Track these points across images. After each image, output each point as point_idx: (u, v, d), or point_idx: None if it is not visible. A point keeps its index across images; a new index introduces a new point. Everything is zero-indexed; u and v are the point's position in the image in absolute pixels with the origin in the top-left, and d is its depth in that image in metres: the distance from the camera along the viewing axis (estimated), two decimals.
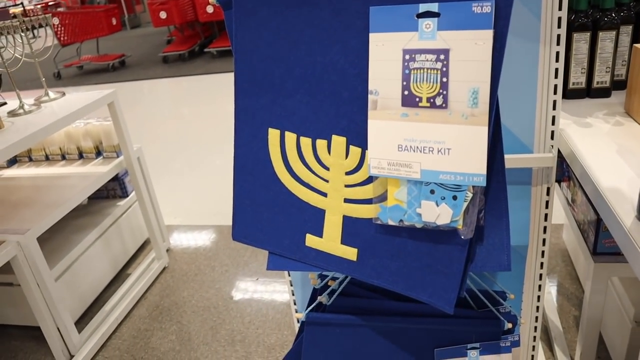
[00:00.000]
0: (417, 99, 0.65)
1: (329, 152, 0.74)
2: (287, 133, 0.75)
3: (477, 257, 0.77)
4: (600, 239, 1.22)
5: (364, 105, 0.69)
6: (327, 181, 0.75)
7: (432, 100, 0.64)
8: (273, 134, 0.76)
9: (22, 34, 1.90)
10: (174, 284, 2.19)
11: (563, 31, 0.96)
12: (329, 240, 0.76)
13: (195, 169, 3.34)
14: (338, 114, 0.72)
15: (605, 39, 1.23)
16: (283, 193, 0.78)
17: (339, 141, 0.73)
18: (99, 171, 2.08)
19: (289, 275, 1.24)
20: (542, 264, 1.19)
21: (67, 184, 2.03)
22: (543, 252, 1.17)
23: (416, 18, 0.63)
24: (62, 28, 6.05)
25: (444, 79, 0.63)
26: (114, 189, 2.36)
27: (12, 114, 1.87)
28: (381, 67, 0.66)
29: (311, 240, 0.77)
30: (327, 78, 0.71)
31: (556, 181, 1.16)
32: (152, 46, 7.67)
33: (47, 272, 1.74)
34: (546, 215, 1.13)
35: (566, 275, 2.06)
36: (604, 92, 1.31)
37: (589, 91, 1.31)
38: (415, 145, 0.66)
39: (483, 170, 0.63)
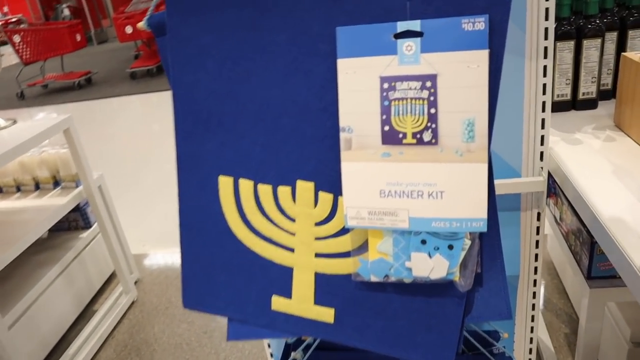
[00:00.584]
0: (401, 135, 0.54)
1: (294, 200, 0.62)
2: (241, 180, 0.64)
3: (473, 307, 0.67)
4: (595, 262, 1.14)
5: (335, 145, 0.59)
6: (293, 234, 0.64)
7: (418, 135, 0.54)
8: (224, 183, 0.65)
9: None
10: (144, 320, 2.05)
11: (550, 43, 0.87)
12: (300, 302, 0.65)
13: (165, 190, 3.20)
14: (302, 156, 0.61)
15: (590, 47, 1.15)
16: (241, 251, 0.66)
17: (305, 187, 0.62)
18: (57, 203, 1.94)
19: None
20: (534, 293, 1.09)
21: (23, 218, 1.88)
22: (535, 281, 1.08)
23: (394, 39, 0.53)
24: (25, 46, 5.84)
25: (432, 110, 0.53)
26: (75, 220, 2.21)
27: None
28: (354, 99, 0.55)
29: (278, 303, 0.66)
30: (287, 114, 0.60)
31: None
32: (120, 62, 7.48)
33: None
34: (537, 242, 1.04)
35: (553, 289, 1.98)
36: (590, 104, 1.22)
37: (575, 103, 1.23)
38: (402, 189, 0.55)
39: (483, 214, 0.53)
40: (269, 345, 1.04)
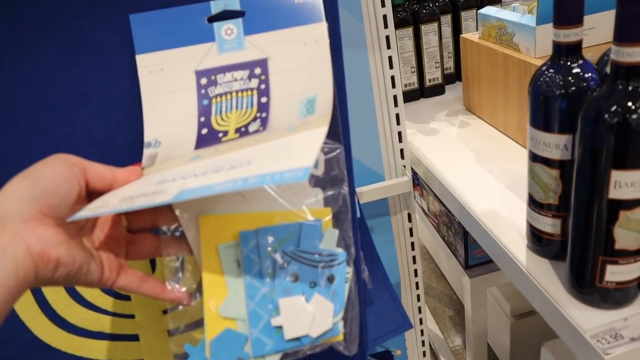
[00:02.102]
0: (221, 134, 0.42)
1: None
2: None
3: (371, 327, 0.59)
4: (470, 251, 1.10)
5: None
6: None
7: (243, 129, 0.42)
8: None
9: None
10: None
11: (392, 32, 0.79)
12: None
13: None
14: None
15: (429, 32, 1.11)
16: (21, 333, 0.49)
17: None
18: None
19: None
20: (418, 296, 1.03)
21: None
22: (417, 283, 1.02)
23: (208, 22, 0.42)
24: None
25: (263, 99, 0.42)
26: None
27: None
28: (162, 103, 0.42)
29: None
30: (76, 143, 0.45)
31: None
32: None
33: None
34: (412, 244, 0.97)
35: (431, 274, 1.99)
36: (438, 90, 1.19)
37: (423, 91, 1.19)
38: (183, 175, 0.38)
39: (309, 162, 0.34)
40: None
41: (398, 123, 0.86)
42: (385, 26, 0.78)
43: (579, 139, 0.48)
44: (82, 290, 0.48)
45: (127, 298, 0.49)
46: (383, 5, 0.77)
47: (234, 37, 0.42)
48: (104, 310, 0.49)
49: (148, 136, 0.42)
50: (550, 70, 0.52)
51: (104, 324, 0.49)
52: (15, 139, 0.44)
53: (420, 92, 1.19)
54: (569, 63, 0.52)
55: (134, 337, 0.50)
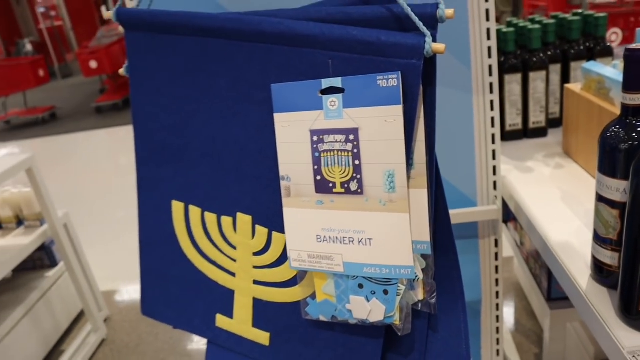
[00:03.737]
0: (331, 185, 0.57)
1: (235, 230, 0.66)
2: (191, 207, 0.68)
3: (431, 351, 0.68)
4: (554, 284, 1.18)
5: (270, 184, 0.62)
6: (234, 260, 0.68)
7: (346, 185, 0.57)
8: (177, 207, 0.70)
9: None
10: (114, 358, 2.02)
11: (495, 79, 0.93)
12: (240, 323, 0.69)
13: (133, 224, 3.16)
14: (241, 191, 0.65)
15: (537, 79, 1.21)
16: (190, 270, 0.71)
17: (244, 220, 0.65)
18: (21, 243, 1.90)
19: None
20: (497, 317, 1.13)
21: None
22: (498, 304, 1.12)
23: (320, 95, 0.55)
24: None
25: (357, 162, 0.56)
26: (40, 259, 2.17)
27: None
28: (290, 150, 0.58)
29: (222, 321, 0.71)
30: (228, 151, 0.64)
31: (503, 222, 1.11)
32: (85, 96, 7.41)
33: None
34: (497, 267, 1.08)
35: (522, 310, 2.03)
36: (540, 132, 1.29)
37: (526, 132, 1.29)
38: (335, 235, 0.58)
39: (410, 261, 0.56)
40: None
41: (494, 158, 0.98)
42: (490, 74, 0.92)
43: (630, 184, 0.59)
44: (210, 229, 0.68)
45: (234, 247, 0.67)
46: (489, 56, 0.90)
47: (336, 108, 0.55)
48: (219, 249, 0.68)
49: (282, 171, 0.59)
50: (617, 127, 0.63)
51: (217, 257, 0.69)
52: (194, 128, 0.65)
53: (523, 132, 1.29)
54: (634, 122, 0.62)
55: (232, 274, 0.69)
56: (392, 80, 0.51)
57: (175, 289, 0.73)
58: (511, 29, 1.20)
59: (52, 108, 6.42)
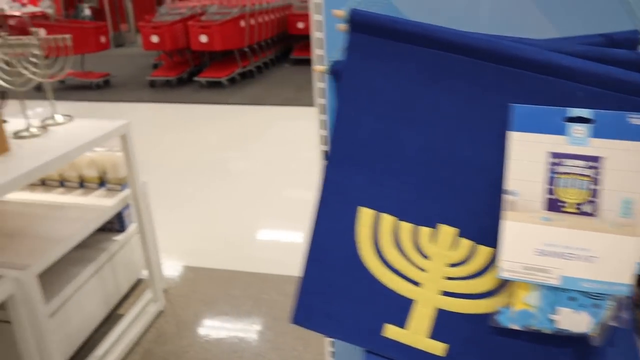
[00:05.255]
0: (562, 204, 0.61)
1: (433, 241, 0.68)
2: (383, 215, 0.70)
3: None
4: None
5: (487, 200, 0.66)
6: (423, 270, 0.69)
7: (579, 206, 0.60)
8: (365, 214, 0.70)
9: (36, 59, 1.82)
10: (171, 331, 2.06)
11: None
12: (415, 333, 0.70)
13: (187, 204, 3.23)
14: (451, 204, 0.67)
15: None
16: (364, 278, 0.71)
17: (447, 231, 0.68)
18: (104, 204, 1.97)
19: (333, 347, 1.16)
20: None
21: (69, 215, 1.91)
22: None
23: (563, 122, 0.60)
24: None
25: (594, 187, 0.60)
26: (111, 222, 2.23)
27: (18, 136, 1.76)
28: (522, 167, 0.62)
29: (391, 331, 0.71)
30: (443, 164, 0.67)
31: None
32: (138, 68, 7.54)
33: (43, 310, 1.60)
34: None
35: None
36: None
37: None
38: (557, 250, 0.62)
39: (630, 280, 0.60)
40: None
41: None
42: None
43: None
44: (402, 238, 0.70)
45: (426, 257, 0.70)
46: None
47: (581, 136, 0.60)
48: (408, 258, 0.69)
49: (509, 186, 0.63)
50: None
51: (403, 266, 0.70)
52: (408, 137, 0.67)
53: None
54: None
55: (417, 283, 0.70)
56: None
57: (341, 298, 0.72)
58: None
59: (107, 75, 6.55)
